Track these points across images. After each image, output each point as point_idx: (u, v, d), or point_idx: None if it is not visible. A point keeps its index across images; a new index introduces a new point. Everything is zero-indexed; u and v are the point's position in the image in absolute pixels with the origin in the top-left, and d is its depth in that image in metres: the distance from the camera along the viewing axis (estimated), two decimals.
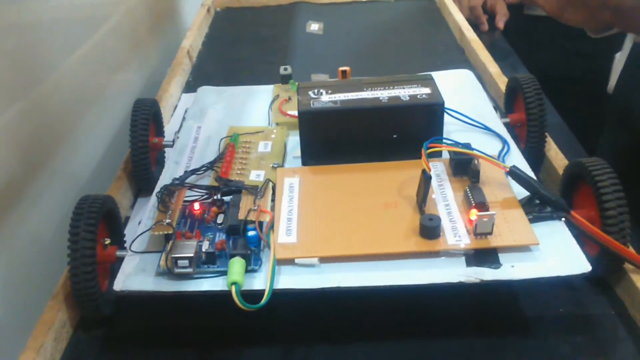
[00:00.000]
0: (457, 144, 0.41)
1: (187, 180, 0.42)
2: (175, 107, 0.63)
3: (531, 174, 0.41)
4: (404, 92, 0.43)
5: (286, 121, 0.50)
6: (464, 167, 0.40)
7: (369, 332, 0.36)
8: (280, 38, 0.81)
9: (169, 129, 0.55)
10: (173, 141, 0.50)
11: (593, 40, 0.62)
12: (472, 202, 0.37)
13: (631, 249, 0.37)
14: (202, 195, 0.40)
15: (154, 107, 0.50)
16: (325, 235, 0.36)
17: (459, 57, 0.72)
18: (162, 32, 0.85)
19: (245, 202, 0.39)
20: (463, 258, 0.35)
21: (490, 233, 0.35)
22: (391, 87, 0.44)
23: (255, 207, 0.38)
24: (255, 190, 0.40)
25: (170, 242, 0.35)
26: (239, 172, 0.43)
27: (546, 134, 0.48)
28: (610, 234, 0.35)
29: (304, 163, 0.44)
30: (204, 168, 0.44)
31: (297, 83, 0.49)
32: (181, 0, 0.94)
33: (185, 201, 0.40)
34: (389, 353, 0.35)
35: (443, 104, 0.42)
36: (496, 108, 0.52)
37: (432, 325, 0.36)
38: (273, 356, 0.36)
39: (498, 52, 0.73)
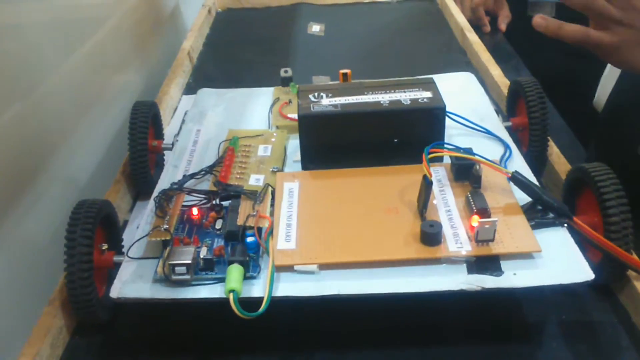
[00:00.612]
0: (458, 148, 0.41)
1: (186, 185, 0.42)
2: (175, 109, 0.62)
3: (533, 179, 0.41)
4: (405, 96, 0.43)
5: (286, 124, 0.50)
6: (466, 172, 0.40)
7: (368, 339, 0.36)
8: (282, 39, 0.81)
9: (169, 131, 0.55)
10: (172, 144, 0.50)
11: None
12: (474, 208, 0.37)
13: (634, 256, 0.36)
14: (201, 200, 0.40)
15: (153, 109, 0.50)
16: (324, 242, 0.36)
17: (460, 59, 0.72)
18: (162, 33, 0.84)
19: (244, 207, 0.38)
20: (464, 265, 0.34)
21: (492, 240, 0.35)
22: (392, 91, 0.43)
23: (254, 213, 0.38)
24: (255, 195, 0.39)
25: (168, 249, 0.35)
26: (238, 176, 0.43)
27: (549, 138, 0.47)
28: (613, 240, 0.35)
29: (304, 167, 0.43)
30: (203, 172, 0.43)
31: (297, 86, 0.49)
32: (182, 1, 0.94)
33: (183, 206, 0.40)
34: None
35: (444, 108, 0.42)
36: (498, 111, 0.51)
37: (433, 332, 0.36)
38: None
39: (500, 54, 0.72)
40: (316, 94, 0.44)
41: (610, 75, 0.68)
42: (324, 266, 0.35)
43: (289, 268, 0.35)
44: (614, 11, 0.47)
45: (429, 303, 0.34)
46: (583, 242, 0.36)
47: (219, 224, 0.38)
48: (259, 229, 0.37)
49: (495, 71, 0.63)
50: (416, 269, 0.34)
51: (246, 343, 0.36)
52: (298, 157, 0.44)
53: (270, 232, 0.37)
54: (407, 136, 0.42)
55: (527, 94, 0.47)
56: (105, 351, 0.37)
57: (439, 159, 0.42)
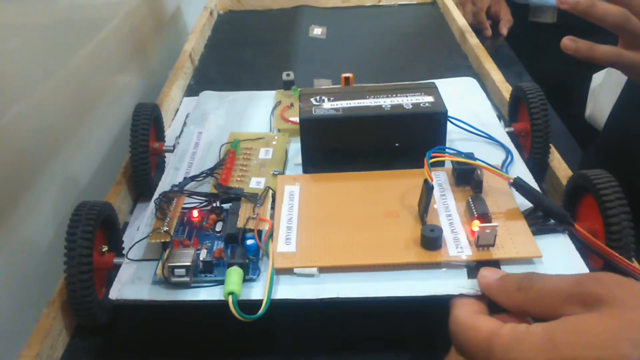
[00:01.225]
0: (460, 153, 0.41)
1: (187, 187, 0.42)
2: (177, 110, 0.62)
3: (535, 184, 0.41)
4: (407, 100, 0.43)
5: (288, 128, 0.50)
6: (467, 177, 0.40)
7: (368, 343, 0.36)
8: (283, 42, 0.81)
9: (170, 133, 0.55)
10: (173, 146, 0.50)
11: None
12: (475, 213, 0.36)
13: (636, 264, 0.36)
14: (201, 203, 0.40)
15: (155, 111, 0.50)
16: (324, 245, 0.36)
17: (462, 63, 0.72)
18: (164, 35, 0.84)
19: (245, 210, 0.38)
20: (464, 270, 0.34)
21: (493, 245, 0.35)
22: (394, 95, 0.43)
23: (255, 215, 0.37)
24: (255, 198, 0.39)
25: (167, 250, 0.35)
26: (239, 179, 0.43)
27: (550, 145, 0.47)
28: (614, 248, 0.35)
29: (305, 171, 0.43)
30: (204, 175, 0.43)
31: (299, 89, 0.49)
32: (184, 2, 0.94)
33: (184, 208, 0.40)
34: None
35: (446, 112, 0.42)
36: (500, 117, 0.51)
37: (432, 337, 0.36)
38: None
39: (502, 58, 0.72)
40: (318, 97, 0.44)
41: (605, 91, 0.68)
42: (324, 269, 0.35)
43: (289, 271, 0.35)
44: None
45: (429, 308, 0.34)
46: (584, 249, 0.36)
47: (219, 227, 0.38)
48: (259, 232, 0.37)
49: (497, 76, 0.62)
50: (416, 273, 0.34)
51: (245, 346, 0.36)
52: (299, 160, 0.44)
53: (271, 234, 0.37)
54: (409, 140, 0.42)
55: (529, 100, 0.47)
56: (105, 353, 0.37)
57: (440, 164, 0.42)
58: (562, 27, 0.47)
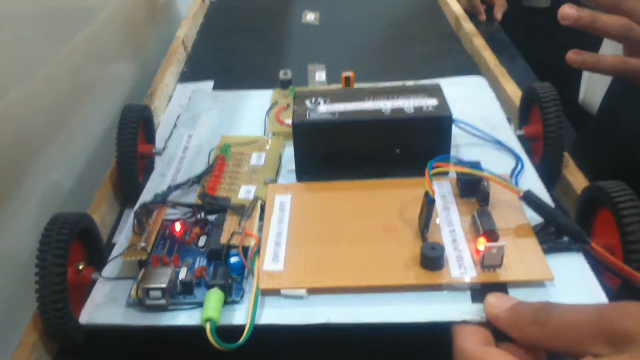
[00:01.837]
0: (465, 162, 0.37)
1: (171, 196, 0.39)
2: (170, 97, 0.61)
3: (546, 196, 0.37)
4: (409, 104, 0.39)
5: (283, 131, 0.47)
6: (472, 188, 0.36)
7: None
8: (276, 28, 0.80)
9: (163, 126, 0.54)
10: (163, 149, 0.47)
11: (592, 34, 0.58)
12: (480, 229, 0.33)
13: None
14: (185, 214, 0.37)
15: (144, 112, 0.47)
16: (315, 263, 0.33)
17: (455, 47, 0.71)
18: (157, 22, 0.83)
19: (230, 223, 0.35)
20: (468, 293, 0.31)
21: (500, 266, 0.31)
22: (395, 98, 0.40)
23: (240, 230, 0.35)
24: (242, 210, 0.36)
25: (143, 270, 0.32)
26: (227, 187, 0.40)
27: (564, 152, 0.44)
28: (633, 266, 0.32)
29: (299, 178, 0.40)
30: (190, 182, 0.40)
31: (294, 90, 0.46)
32: None
33: (166, 220, 0.37)
34: None
35: (451, 117, 0.38)
36: (509, 120, 0.48)
37: None
38: None
39: (496, 43, 0.71)
40: (313, 99, 0.41)
41: (598, 76, 0.66)
42: (313, 290, 0.32)
43: (276, 292, 0.32)
44: None
45: (428, 334, 0.31)
46: (598, 266, 0.33)
47: (202, 241, 0.35)
48: (245, 248, 0.34)
49: (490, 57, 0.62)
50: (415, 295, 0.31)
51: None
52: (294, 166, 0.41)
53: (257, 251, 0.34)
54: (410, 147, 0.39)
55: (542, 102, 0.43)
56: None
57: (444, 172, 0.39)
58: (556, 11, 0.46)
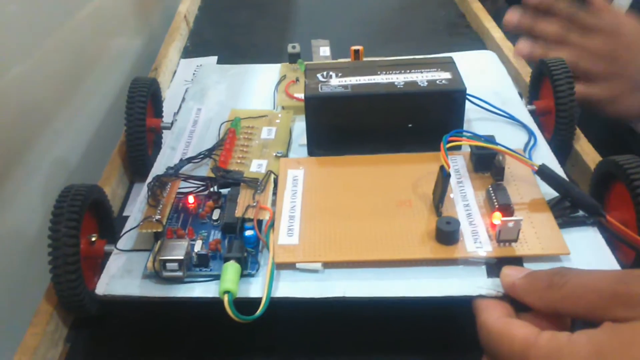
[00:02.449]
0: (479, 136, 0.37)
1: (183, 169, 0.39)
2: (174, 72, 0.61)
3: (560, 170, 0.37)
4: (422, 77, 0.39)
5: (293, 105, 0.46)
6: (487, 162, 0.36)
7: (376, 345, 0.33)
8: (279, 2, 0.80)
9: (168, 100, 0.54)
10: (171, 123, 0.46)
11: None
12: (496, 203, 0.33)
13: None
14: (198, 187, 0.37)
15: (152, 86, 0.47)
16: (330, 237, 0.33)
17: (460, 21, 0.71)
18: None
19: (244, 196, 0.35)
20: (484, 267, 0.31)
21: (515, 240, 0.31)
22: (408, 71, 0.40)
23: (255, 203, 0.34)
24: (255, 184, 0.36)
25: (159, 242, 0.32)
26: (239, 161, 0.40)
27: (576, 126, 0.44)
28: None
29: (310, 153, 0.40)
30: (202, 156, 0.40)
31: (305, 63, 0.45)
32: None
33: (179, 193, 0.37)
34: None
35: (465, 91, 0.38)
36: (520, 94, 0.47)
37: (446, 339, 0.33)
38: None
39: (500, 19, 0.70)
40: (325, 73, 0.40)
41: None
42: (329, 264, 0.32)
43: (291, 266, 0.32)
44: (600, 67, 0.49)
45: (443, 308, 0.31)
46: (613, 241, 0.33)
47: (216, 214, 0.35)
48: (259, 222, 0.33)
49: (497, 34, 0.62)
50: (430, 270, 0.31)
51: (244, 346, 0.33)
52: (304, 140, 0.41)
53: (271, 225, 0.34)
54: (423, 121, 0.39)
55: (554, 76, 0.43)
56: (96, 347, 0.34)
57: (457, 147, 0.39)
58: None
